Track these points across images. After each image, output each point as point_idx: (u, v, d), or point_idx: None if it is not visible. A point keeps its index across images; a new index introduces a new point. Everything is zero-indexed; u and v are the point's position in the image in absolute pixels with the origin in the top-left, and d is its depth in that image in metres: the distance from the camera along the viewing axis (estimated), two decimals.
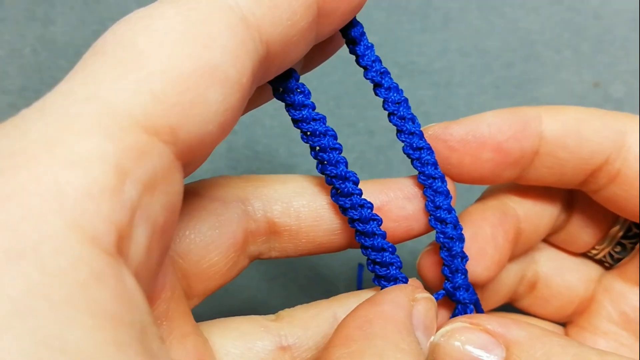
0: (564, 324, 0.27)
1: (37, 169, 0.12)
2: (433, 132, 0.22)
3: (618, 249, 0.26)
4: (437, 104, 0.37)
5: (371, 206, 0.21)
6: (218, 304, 0.35)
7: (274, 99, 0.21)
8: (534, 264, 0.26)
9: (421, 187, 0.22)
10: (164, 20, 0.15)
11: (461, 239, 0.22)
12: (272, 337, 0.21)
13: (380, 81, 0.21)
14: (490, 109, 0.37)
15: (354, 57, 0.21)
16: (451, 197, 0.22)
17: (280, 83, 0.20)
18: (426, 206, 0.22)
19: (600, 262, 0.27)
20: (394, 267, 0.21)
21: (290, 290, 0.36)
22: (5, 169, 0.12)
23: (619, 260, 0.26)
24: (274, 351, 0.21)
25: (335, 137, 0.20)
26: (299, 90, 0.20)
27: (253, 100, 0.21)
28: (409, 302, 0.19)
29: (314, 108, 0.20)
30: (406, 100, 0.21)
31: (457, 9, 0.38)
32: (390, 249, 0.21)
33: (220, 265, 0.20)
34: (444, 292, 0.22)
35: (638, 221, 0.23)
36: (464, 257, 0.22)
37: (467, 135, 0.22)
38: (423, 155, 0.22)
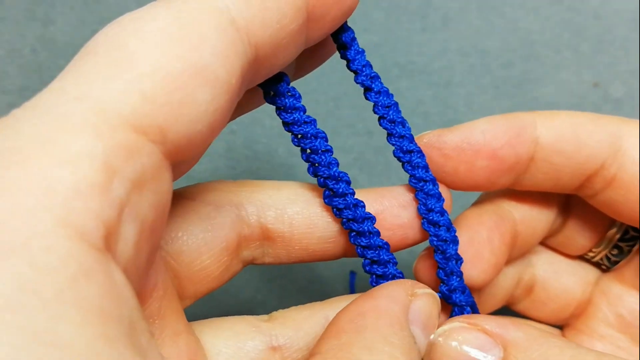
0: (561, 326, 0.27)
1: (28, 166, 0.13)
2: (428, 140, 0.22)
3: (615, 251, 0.25)
4: (437, 104, 0.37)
5: (364, 205, 0.21)
6: (217, 305, 0.35)
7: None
8: (530, 267, 0.26)
9: (413, 191, 0.22)
10: (155, 22, 0.15)
11: (455, 241, 0.22)
12: (263, 337, 0.21)
13: (371, 85, 0.21)
14: (490, 109, 0.37)
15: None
16: (443, 200, 0.22)
17: (271, 86, 0.20)
18: (418, 209, 0.22)
19: (597, 265, 0.27)
20: (392, 265, 0.21)
21: (289, 292, 0.36)
22: None
23: (616, 263, 0.26)
24: (265, 351, 0.21)
25: (326, 139, 0.21)
26: (289, 93, 0.20)
27: (245, 104, 0.21)
28: (406, 297, 0.19)
29: (304, 111, 0.20)
30: (396, 104, 0.22)
31: (457, 9, 0.38)
32: (386, 247, 0.21)
33: (212, 268, 0.21)
34: (440, 294, 0.22)
35: (635, 225, 0.23)
36: (459, 260, 0.22)
37: (462, 143, 0.22)
38: (413, 158, 0.22)
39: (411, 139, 0.22)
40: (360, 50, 0.21)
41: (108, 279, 0.13)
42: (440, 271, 0.22)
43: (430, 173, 0.22)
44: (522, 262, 0.26)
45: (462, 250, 0.22)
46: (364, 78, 0.21)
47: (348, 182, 0.21)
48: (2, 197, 0.12)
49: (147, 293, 0.17)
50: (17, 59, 0.37)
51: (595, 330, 0.25)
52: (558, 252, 0.27)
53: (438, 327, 0.20)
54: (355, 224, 0.21)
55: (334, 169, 0.21)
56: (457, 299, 0.22)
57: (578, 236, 0.26)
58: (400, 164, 0.22)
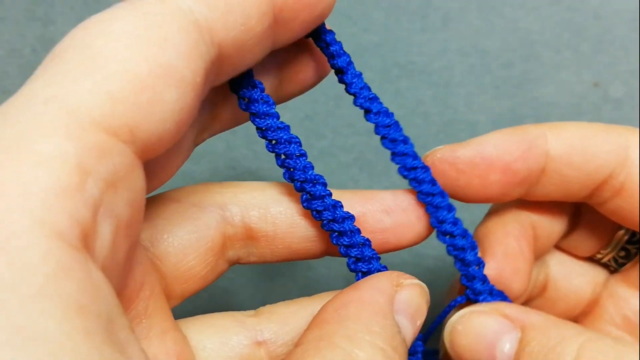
0: None
1: (3, 170, 0.13)
2: (441, 155, 0.23)
3: (622, 253, 0.26)
4: (437, 104, 0.37)
5: (342, 205, 0.21)
6: (215, 305, 0.35)
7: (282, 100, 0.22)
8: (545, 267, 0.27)
9: (423, 205, 0.22)
10: (120, 24, 0.16)
11: (473, 247, 0.22)
12: (247, 332, 0.22)
13: (370, 107, 0.22)
14: (490, 109, 0.37)
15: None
16: (454, 209, 0.22)
17: (245, 93, 0.20)
18: (431, 222, 0.22)
19: (605, 266, 0.27)
20: (376, 261, 0.22)
21: (289, 290, 0.37)
22: None
23: (623, 264, 0.26)
24: (250, 346, 0.21)
25: (300, 144, 0.21)
26: (263, 100, 0.20)
27: (231, 119, 0.21)
28: (391, 287, 0.19)
29: (278, 117, 0.21)
30: (396, 123, 0.22)
31: (457, 9, 0.38)
32: (367, 243, 0.21)
33: (198, 268, 0.21)
34: (464, 297, 0.23)
35: None
36: (480, 264, 0.22)
37: (475, 158, 0.22)
38: (418, 174, 0.22)
39: (415, 156, 0.22)
40: (357, 73, 0.22)
41: (86, 276, 0.13)
42: (463, 278, 0.22)
43: (437, 186, 0.22)
44: (538, 263, 0.27)
45: (499, 265, 0.23)
46: (363, 100, 0.22)
47: (324, 184, 0.21)
48: None
49: (134, 293, 0.18)
50: (17, 59, 0.37)
51: (602, 330, 0.26)
52: (568, 253, 0.27)
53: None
54: (336, 225, 0.21)
55: (310, 172, 0.21)
56: (485, 300, 0.22)
57: (588, 238, 0.26)
58: (407, 181, 0.22)
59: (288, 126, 0.21)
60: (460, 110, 0.37)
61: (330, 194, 0.21)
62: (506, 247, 0.23)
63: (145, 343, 0.18)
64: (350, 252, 0.21)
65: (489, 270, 0.22)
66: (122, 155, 0.15)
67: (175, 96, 0.16)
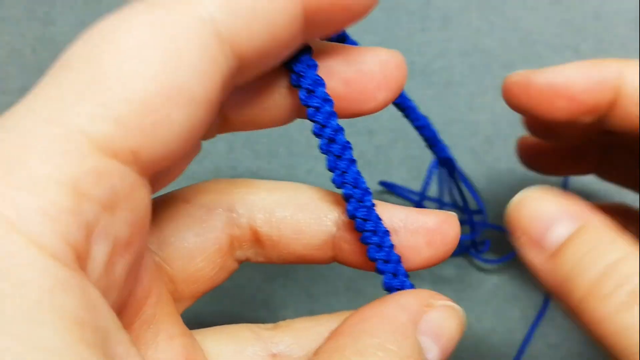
0: None
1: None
2: (516, 79, 0.24)
3: None
4: (437, 104, 0.37)
5: (381, 219, 0.20)
6: (217, 305, 0.35)
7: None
8: None
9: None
10: (133, 35, 0.15)
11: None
12: (263, 344, 0.21)
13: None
14: (490, 110, 0.37)
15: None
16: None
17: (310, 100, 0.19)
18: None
19: None
20: (406, 278, 0.20)
21: (291, 290, 0.37)
22: None
23: None
24: (264, 357, 0.21)
25: (352, 150, 0.20)
26: (326, 99, 0.19)
27: (241, 124, 0.20)
28: (419, 306, 0.19)
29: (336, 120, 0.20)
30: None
31: (457, 9, 0.38)
32: (399, 259, 0.21)
33: (207, 270, 0.21)
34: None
35: None
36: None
37: (545, 86, 0.24)
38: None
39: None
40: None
41: (83, 292, 0.13)
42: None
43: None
44: None
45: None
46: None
47: (371, 195, 0.20)
48: None
49: (142, 300, 0.18)
50: (17, 59, 0.37)
51: None
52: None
53: None
54: (377, 238, 0.20)
55: (361, 181, 0.20)
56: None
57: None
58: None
59: (343, 129, 0.20)
60: (460, 110, 0.37)
61: (374, 206, 0.20)
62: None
63: (153, 348, 0.18)
64: (386, 268, 0.20)
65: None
66: (123, 176, 0.15)
67: (184, 117, 0.15)
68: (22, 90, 0.36)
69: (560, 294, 0.20)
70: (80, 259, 0.14)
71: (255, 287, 0.36)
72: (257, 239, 0.22)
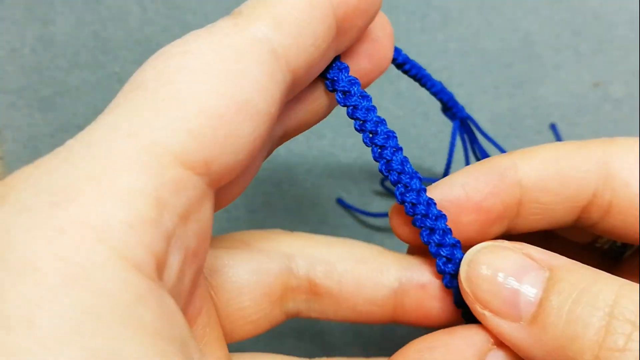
0: None
1: (86, 203, 0.14)
2: (395, 210, 0.22)
3: (619, 242, 0.25)
4: (437, 104, 0.37)
5: (435, 203, 0.21)
6: None
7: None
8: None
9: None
10: (199, 59, 0.16)
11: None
12: None
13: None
14: (490, 109, 0.37)
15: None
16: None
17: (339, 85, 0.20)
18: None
19: (607, 255, 0.26)
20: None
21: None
22: (57, 202, 0.14)
23: (621, 254, 0.25)
24: None
25: (397, 139, 0.21)
26: (362, 95, 0.20)
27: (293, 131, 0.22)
28: (485, 344, 0.19)
29: (375, 111, 0.21)
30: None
31: (457, 9, 0.38)
32: (458, 245, 0.21)
33: (250, 311, 0.21)
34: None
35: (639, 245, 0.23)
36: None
37: (443, 202, 0.21)
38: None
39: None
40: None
41: (161, 304, 0.14)
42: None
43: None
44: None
45: None
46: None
47: (420, 179, 0.21)
48: (65, 234, 0.13)
49: (192, 318, 0.18)
50: (17, 59, 0.37)
51: None
52: (568, 239, 0.26)
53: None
54: (429, 221, 0.20)
55: (407, 165, 0.21)
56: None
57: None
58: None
59: (384, 120, 0.21)
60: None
61: (425, 190, 0.21)
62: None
63: None
64: (440, 252, 0.21)
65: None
66: (196, 187, 0.16)
67: (250, 129, 0.16)
68: (21, 90, 0.36)
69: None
70: (159, 268, 0.14)
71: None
72: (315, 292, 0.22)
